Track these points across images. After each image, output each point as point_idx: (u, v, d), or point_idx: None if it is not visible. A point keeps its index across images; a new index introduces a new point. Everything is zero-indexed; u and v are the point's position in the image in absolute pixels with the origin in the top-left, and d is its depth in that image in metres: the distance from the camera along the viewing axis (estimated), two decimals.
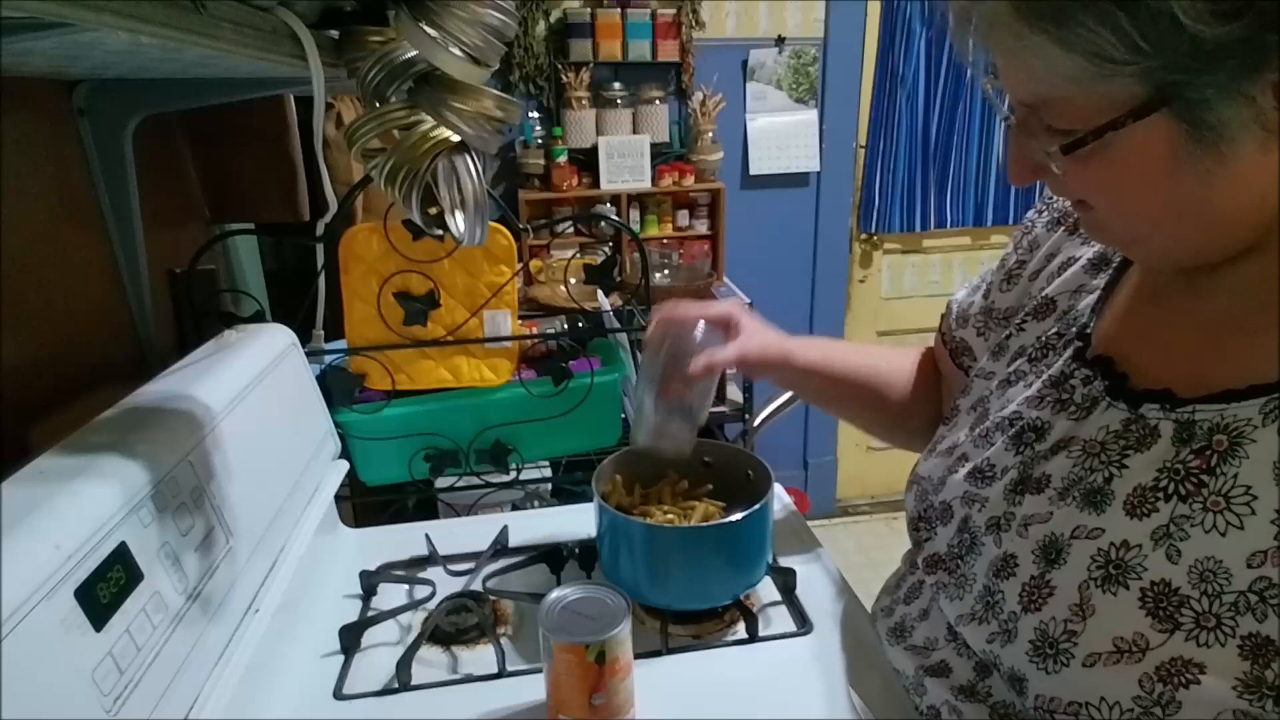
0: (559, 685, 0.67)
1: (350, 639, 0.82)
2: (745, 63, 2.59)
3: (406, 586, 0.92)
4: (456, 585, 0.91)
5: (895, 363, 0.91)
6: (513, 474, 1.19)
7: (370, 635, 0.83)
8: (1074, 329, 0.65)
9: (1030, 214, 0.77)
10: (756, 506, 0.80)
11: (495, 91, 0.58)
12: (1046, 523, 0.57)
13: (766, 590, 0.89)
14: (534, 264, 2.33)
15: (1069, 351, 0.63)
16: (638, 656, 0.72)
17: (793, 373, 0.86)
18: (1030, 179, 0.55)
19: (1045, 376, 0.64)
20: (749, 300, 2.34)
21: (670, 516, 0.88)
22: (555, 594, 0.70)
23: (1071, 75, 0.47)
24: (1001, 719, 0.59)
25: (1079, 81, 0.47)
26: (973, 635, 0.61)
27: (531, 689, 0.75)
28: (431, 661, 0.81)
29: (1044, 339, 0.67)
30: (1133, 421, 0.56)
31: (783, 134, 2.68)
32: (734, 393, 2.45)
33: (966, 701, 0.62)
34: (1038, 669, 0.54)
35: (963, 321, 0.83)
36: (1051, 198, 0.74)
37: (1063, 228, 0.72)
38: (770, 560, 0.87)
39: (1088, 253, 0.68)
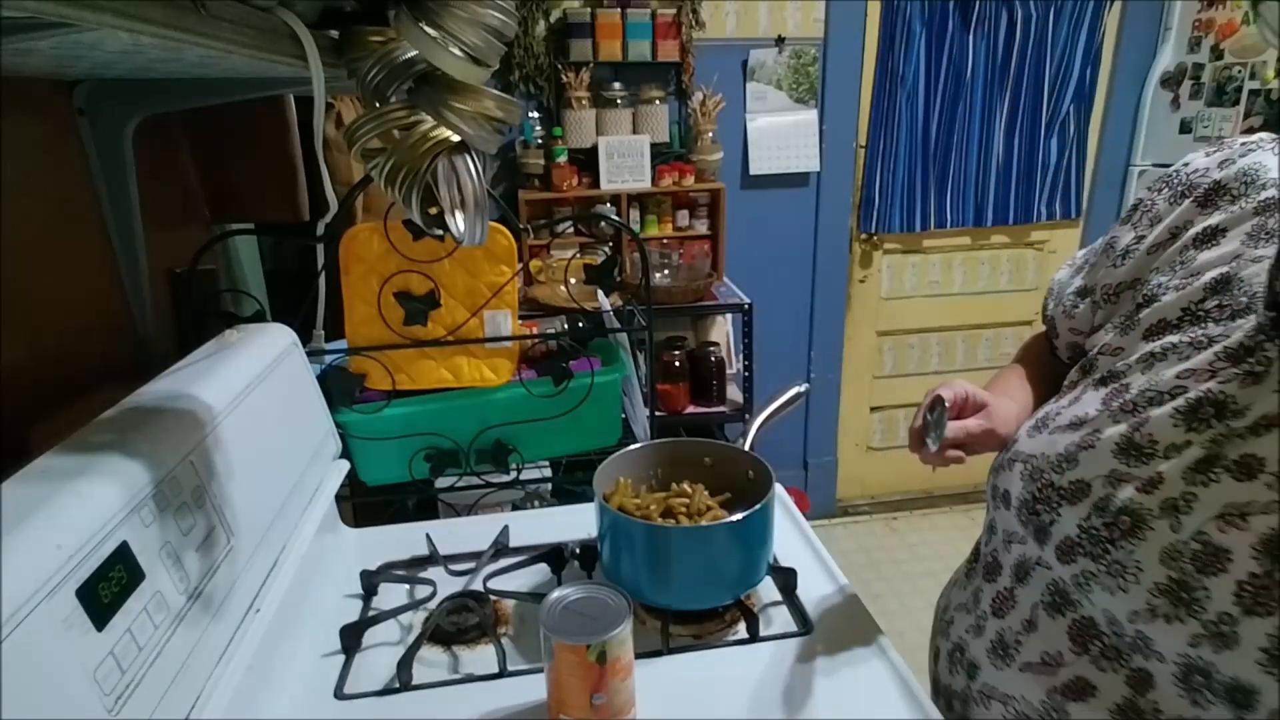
0: (560, 685, 0.67)
1: (351, 639, 0.82)
2: (745, 63, 2.59)
3: (407, 586, 0.92)
4: (457, 585, 0.91)
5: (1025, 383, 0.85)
6: (513, 474, 1.19)
7: (371, 635, 0.83)
8: (1245, 299, 0.60)
9: (1143, 193, 0.74)
10: (756, 506, 0.80)
11: (495, 91, 0.58)
12: (1269, 514, 0.52)
13: (767, 590, 0.89)
14: (534, 264, 2.33)
15: (1247, 322, 0.58)
16: (639, 656, 0.72)
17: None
18: None
19: (1218, 349, 0.59)
20: (749, 300, 2.34)
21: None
22: (556, 594, 0.70)
23: None
24: None
25: None
26: (1164, 635, 0.56)
27: (532, 689, 0.75)
28: (432, 661, 0.81)
29: (1195, 309, 0.63)
30: None
31: (783, 134, 2.68)
32: (734, 393, 2.45)
33: None
34: (1277, 679, 0.50)
35: (1083, 294, 0.79)
36: (1173, 174, 0.71)
37: (1189, 200, 0.68)
38: (770, 560, 0.87)
39: (1242, 224, 0.64)
